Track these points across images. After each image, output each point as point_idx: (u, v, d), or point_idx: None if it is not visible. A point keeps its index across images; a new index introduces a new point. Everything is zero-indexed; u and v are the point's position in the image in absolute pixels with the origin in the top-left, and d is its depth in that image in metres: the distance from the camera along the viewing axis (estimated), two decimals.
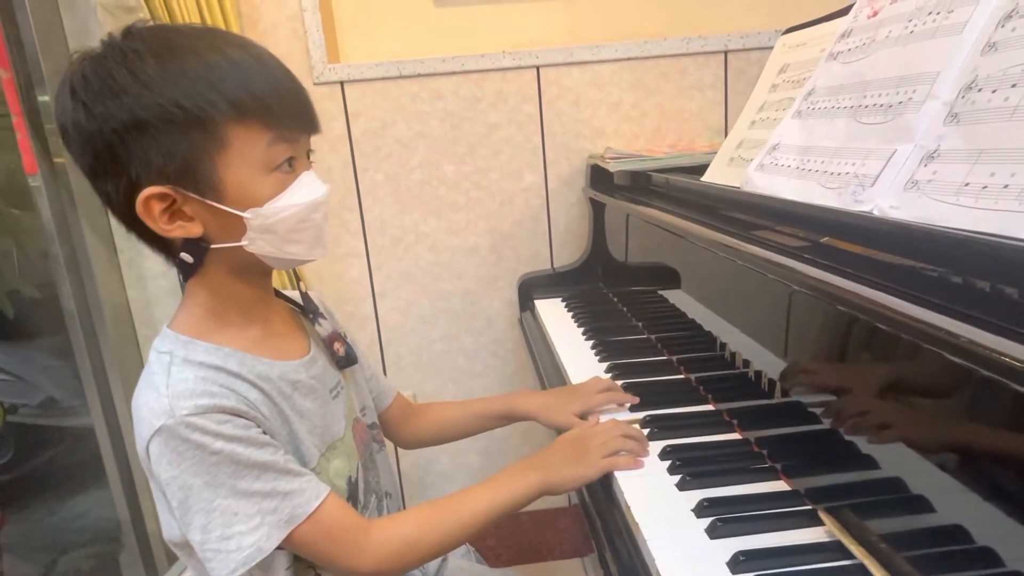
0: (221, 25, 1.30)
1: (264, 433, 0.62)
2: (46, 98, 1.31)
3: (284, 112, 0.60)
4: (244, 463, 0.58)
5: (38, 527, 1.85)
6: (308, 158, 0.65)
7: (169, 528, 0.63)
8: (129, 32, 0.58)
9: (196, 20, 1.26)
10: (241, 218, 0.59)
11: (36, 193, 1.35)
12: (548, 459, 0.74)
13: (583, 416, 0.86)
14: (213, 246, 0.61)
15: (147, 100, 0.55)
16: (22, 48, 1.29)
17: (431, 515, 0.67)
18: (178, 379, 0.59)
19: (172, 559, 1.52)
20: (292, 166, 0.62)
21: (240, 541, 0.58)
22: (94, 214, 1.42)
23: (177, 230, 0.59)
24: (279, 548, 0.62)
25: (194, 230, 0.60)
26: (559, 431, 0.83)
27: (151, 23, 0.61)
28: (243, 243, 0.61)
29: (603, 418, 0.84)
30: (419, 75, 1.48)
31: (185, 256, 0.61)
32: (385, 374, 1.45)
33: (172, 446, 0.57)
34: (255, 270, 0.65)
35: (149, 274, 1.51)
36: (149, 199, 0.57)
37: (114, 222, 1.51)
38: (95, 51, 0.58)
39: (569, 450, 0.74)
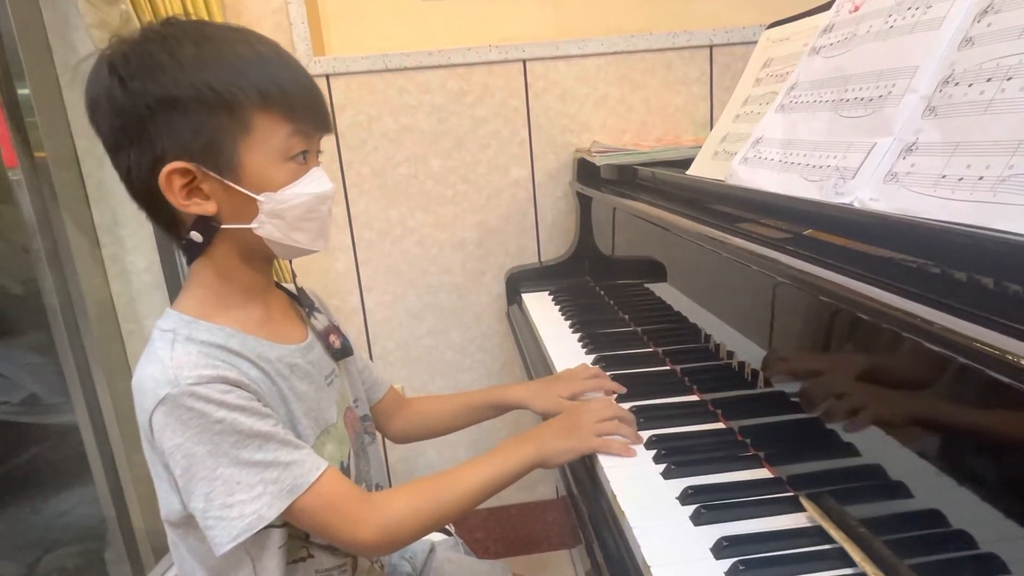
0: (205, 17, 1.29)
1: (265, 407, 0.63)
2: (26, 91, 1.30)
3: (304, 108, 0.64)
4: (246, 433, 0.59)
5: (21, 526, 1.82)
6: (317, 156, 0.69)
7: (168, 504, 0.64)
8: (168, 22, 0.63)
9: (179, 12, 1.25)
10: (254, 201, 0.63)
11: (16, 187, 1.33)
12: (541, 433, 0.75)
13: (571, 400, 0.87)
14: (224, 226, 0.64)
15: (182, 80, 0.59)
16: (1, 40, 1.27)
17: (429, 488, 0.69)
18: (181, 352, 0.61)
19: (159, 555, 1.51)
20: (305, 159, 0.65)
21: (242, 509, 0.59)
22: (76, 208, 1.40)
23: (193, 206, 0.62)
24: (275, 526, 0.63)
25: (209, 208, 0.63)
26: (547, 416, 0.84)
27: (186, 18, 0.66)
28: (252, 226, 0.64)
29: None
30: (405, 68, 1.48)
31: (195, 235, 0.64)
32: None
33: (176, 415, 0.58)
34: (258, 256, 0.68)
35: (133, 269, 1.50)
36: (171, 173, 0.60)
37: (98, 216, 1.50)
38: (134, 36, 0.61)
39: (561, 424, 0.76)
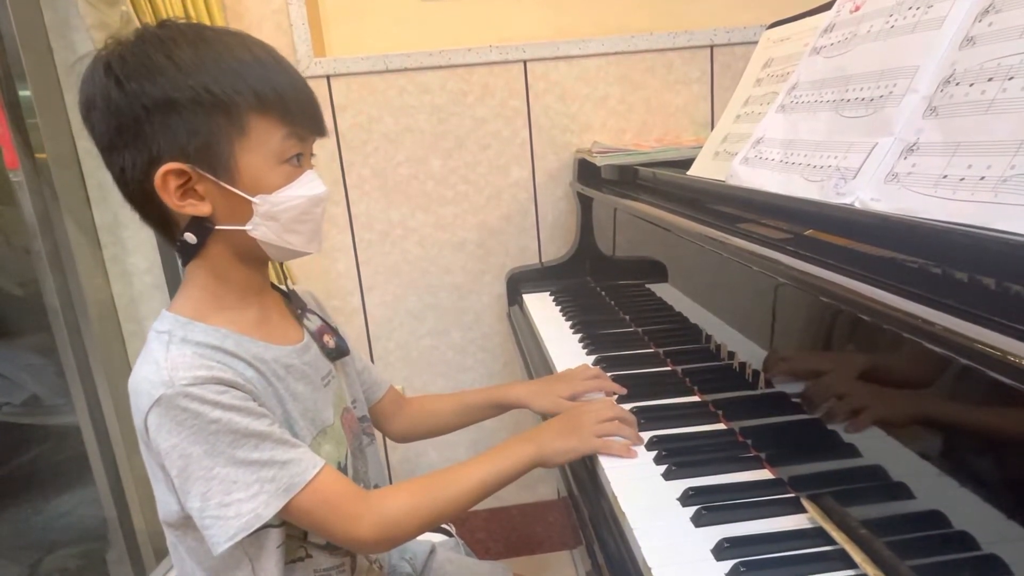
0: (205, 19, 1.29)
1: (260, 406, 0.63)
2: (27, 92, 1.30)
3: (299, 111, 0.65)
4: (242, 432, 0.60)
5: (23, 526, 1.83)
6: (311, 159, 0.69)
7: (165, 505, 0.64)
8: (164, 24, 0.63)
9: (180, 13, 1.25)
10: (248, 203, 0.63)
11: (18, 188, 1.33)
12: (541, 433, 0.75)
13: (571, 400, 0.87)
14: (218, 227, 0.64)
15: (180, 82, 0.59)
16: (2, 42, 1.27)
17: (427, 486, 0.69)
18: (177, 354, 0.61)
19: (160, 556, 1.51)
20: (299, 162, 0.66)
21: (239, 508, 0.59)
22: (77, 209, 1.40)
23: (188, 207, 0.62)
24: (273, 526, 0.63)
25: (203, 209, 0.63)
26: (547, 416, 0.84)
27: (184, 20, 0.66)
28: (247, 227, 0.64)
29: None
30: (406, 69, 1.48)
31: (189, 236, 0.64)
32: None
33: (172, 415, 0.58)
34: (252, 258, 0.68)
35: (134, 270, 1.50)
36: (167, 174, 0.61)
37: (99, 217, 1.50)
38: (129, 37, 0.62)
39: (562, 424, 0.76)
